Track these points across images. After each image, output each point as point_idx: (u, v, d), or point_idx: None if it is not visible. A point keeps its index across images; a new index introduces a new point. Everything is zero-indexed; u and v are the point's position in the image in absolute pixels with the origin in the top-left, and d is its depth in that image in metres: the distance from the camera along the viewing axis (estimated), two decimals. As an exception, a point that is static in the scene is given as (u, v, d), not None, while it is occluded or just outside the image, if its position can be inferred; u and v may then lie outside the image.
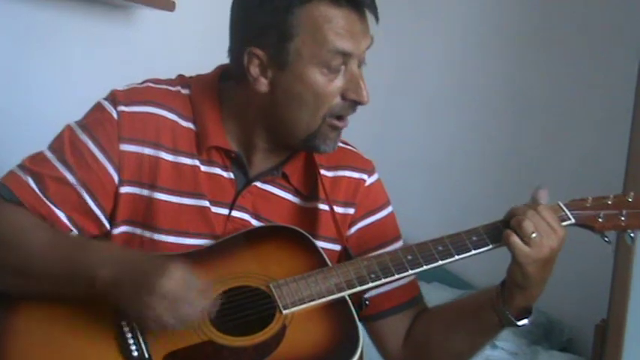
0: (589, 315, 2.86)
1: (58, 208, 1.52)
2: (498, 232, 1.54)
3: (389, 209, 1.76)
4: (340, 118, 1.56)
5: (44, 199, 1.51)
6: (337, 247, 1.68)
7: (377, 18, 1.55)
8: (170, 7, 3.04)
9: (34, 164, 1.54)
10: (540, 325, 3.15)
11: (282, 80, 1.53)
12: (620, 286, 2.58)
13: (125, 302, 1.37)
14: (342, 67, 1.52)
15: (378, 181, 1.76)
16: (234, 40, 1.58)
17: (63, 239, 1.50)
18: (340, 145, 1.72)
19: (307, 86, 1.51)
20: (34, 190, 1.51)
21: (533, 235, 1.47)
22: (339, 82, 1.53)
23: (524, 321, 1.56)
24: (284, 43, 1.50)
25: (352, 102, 1.55)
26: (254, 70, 1.53)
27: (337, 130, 1.58)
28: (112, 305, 1.39)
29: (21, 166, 1.55)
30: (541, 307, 2.96)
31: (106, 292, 1.38)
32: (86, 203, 1.54)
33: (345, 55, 1.51)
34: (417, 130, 3.70)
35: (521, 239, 1.47)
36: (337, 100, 1.54)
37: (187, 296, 1.35)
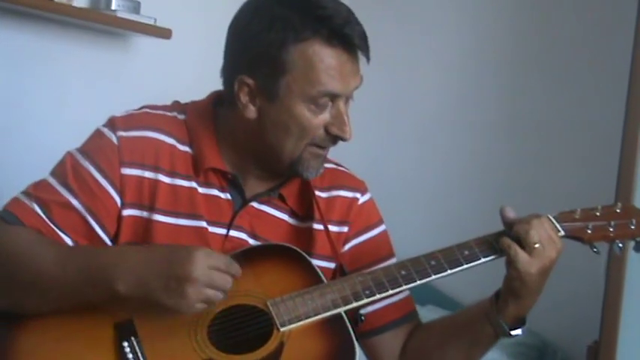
0: (581, 336, 2.84)
1: (65, 233, 1.53)
2: (489, 246, 1.56)
3: (382, 227, 1.78)
4: (321, 147, 1.59)
5: (50, 224, 1.52)
6: (332, 265, 1.69)
7: (368, 59, 1.57)
8: (166, 35, 3.07)
9: (39, 191, 1.55)
10: (534, 347, 3.14)
11: (270, 110, 1.55)
12: (611, 307, 2.57)
13: (157, 297, 1.39)
14: (329, 104, 1.54)
15: (370, 199, 1.78)
16: (227, 65, 1.61)
17: (74, 250, 1.52)
18: (333, 166, 1.77)
19: (294, 119, 1.54)
20: (40, 215, 1.52)
21: (537, 245, 1.49)
22: (324, 117, 1.55)
23: (518, 331, 1.57)
24: (276, 77, 1.52)
25: (335, 137, 1.57)
26: (243, 97, 1.56)
27: (319, 157, 1.60)
28: (139, 304, 1.41)
29: (25, 193, 1.56)
30: (534, 328, 2.94)
31: (132, 294, 1.39)
32: (91, 228, 1.55)
33: (334, 95, 1.53)
34: (413, 154, 3.70)
35: (523, 248, 1.49)
36: (321, 132, 1.56)
37: (216, 274, 1.40)
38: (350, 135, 1.57)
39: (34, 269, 1.45)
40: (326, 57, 1.50)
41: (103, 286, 1.41)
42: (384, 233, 1.78)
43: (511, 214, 1.56)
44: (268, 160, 1.62)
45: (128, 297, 1.40)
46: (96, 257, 1.47)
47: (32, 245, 1.48)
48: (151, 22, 3.03)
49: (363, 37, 1.54)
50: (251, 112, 1.56)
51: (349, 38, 1.51)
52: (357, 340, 1.50)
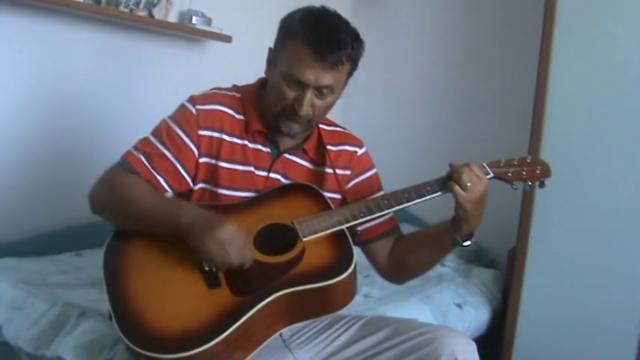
0: (504, 243, 2.85)
1: (160, 175, 1.53)
2: (443, 183, 1.54)
3: (374, 170, 1.76)
4: (289, 118, 1.54)
5: (151, 169, 1.52)
6: (338, 197, 1.68)
7: (333, 69, 1.48)
8: (228, 40, 3.03)
9: (144, 146, 1.55)
10: (472, 250, 3.13)
11: (271, 73, 1.57)
12: (524, 224, 2.56)
13: (194, 240, 1.37)
14: (299, 87, 1.50)
15: (366, 152, 1.76)
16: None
17: (161, 197, 1.51)
18: (340, 129, 1.75)
19: (277, 85, 1.52)
20: (144, 163, 1.52)
21: (468, 184, 1.47)
22: (293, 94, 1.51)
23: (468, 242, 1.56)
24: (278, 53, 1.53)
25: (294, 110, 1.52)
26: (268, 57, 1.59)
27: (288, 123, 1.56)
28: (186, 241, 1.39)
29: (135, 148, 1.56)
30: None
31: (184, 233, 1.38)
32: (179, 171, 1.55)
33: (300, 81, 1.49)
34: (397, 121, 3.65)
35: (460, 188, 1.48)
36: (289, 103, 1.52)
37: (231, 246, 1.36)
38: (304, 113, 1.51)
39: (134, 205, 1.46)
40: (304, 53, 1.47)
41: (171, 221, 1.41)
42: (375, 175, 1.76)
43: (454, 165, 1.54)
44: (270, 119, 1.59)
45: (182, 233, 1.39)
46: (171, 204, 1.46)
47: (139, 191, 1.48)
48: (218, 31, 2.99)
49: (337, 60, 1.48)
50: (268, 70, 1.58)
51: (325, 58, 1.47)
52: (354, 245, 1.49)
